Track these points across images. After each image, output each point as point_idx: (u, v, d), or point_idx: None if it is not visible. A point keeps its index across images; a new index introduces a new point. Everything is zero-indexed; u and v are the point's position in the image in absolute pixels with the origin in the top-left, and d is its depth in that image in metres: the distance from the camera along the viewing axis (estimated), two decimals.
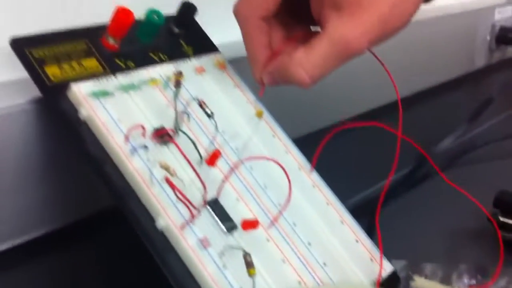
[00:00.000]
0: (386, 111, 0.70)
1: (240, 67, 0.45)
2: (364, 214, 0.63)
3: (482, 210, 0.63)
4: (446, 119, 0.83)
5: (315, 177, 0.42)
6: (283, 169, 0.37)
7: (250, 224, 0.34)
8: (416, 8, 0.40)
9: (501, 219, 0.62)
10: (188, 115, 0.39)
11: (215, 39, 0.47)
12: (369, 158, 0.69)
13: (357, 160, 0.69)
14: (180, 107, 0.38)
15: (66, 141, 0.37)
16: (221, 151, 0.38)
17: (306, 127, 0.59)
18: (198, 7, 0.44)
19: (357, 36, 0.38)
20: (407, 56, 0.74)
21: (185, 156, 0.35)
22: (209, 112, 0.39)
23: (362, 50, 0.39)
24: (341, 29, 0.38)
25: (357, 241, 0.41)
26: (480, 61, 0.89)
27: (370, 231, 0.57)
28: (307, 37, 0.41)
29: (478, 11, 0.86)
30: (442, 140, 0.77)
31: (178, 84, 0.38)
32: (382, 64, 0.44)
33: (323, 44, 0.39)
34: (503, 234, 0.62)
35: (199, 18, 0.46)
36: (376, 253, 0.41)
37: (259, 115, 0.41)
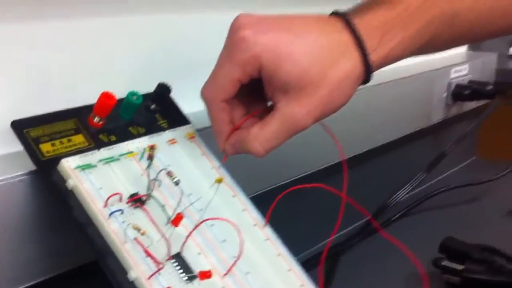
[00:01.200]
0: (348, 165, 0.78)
1: (208, 136, 0.53)
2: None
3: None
4: (405, 170, 0.91)
5: (268, 231, 0.50)
6: (235, 227, 0.45)
7: (205, 275, 0.41)
8: (353, 91, 0.48)
9: (446, 264, 0.69)
10: (160, 182, 0.46)
11: (189, 108, 0.55)
12: (328, 211, 0.77)
13: (316, 213, 0.76)
14: (153, 176, 0.46)
15: (57, 206, 0.45)
16: (186, 212, 0.46)
17: (266, 183, 0.66)
18: (175, 82, 0.53)
19: (303, 116, 0.46)
20: (370, 114, 0.83)
21: (152, 219, 0.42)
22: (176, 180, 0.47)
23: (307, 127, 0.47)
24: (289, 110, 0.46)
25: (302, 286, 0.48)
26: (438, 116, 0.97)
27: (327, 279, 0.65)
28: (264, 112, 0.49)
29: (436, 71, 0.95)
30: (399, 190, 0.85)
31: (150, 157, 0.47)
32: (329, 132, 0.52)
33: (275, 122, 0.47)
34: (448, 277, 0.69)
35: (176, 90, 0.53)
36: None
37: (219, 181, 0.49)
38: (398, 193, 0.84)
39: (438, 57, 1.01)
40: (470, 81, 1.02)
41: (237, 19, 0.46)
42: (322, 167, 0.74)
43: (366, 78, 0.48)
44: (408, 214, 0.89)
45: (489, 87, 0.99)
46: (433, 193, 0.91)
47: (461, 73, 1.00)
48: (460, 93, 0.98)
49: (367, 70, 0.47)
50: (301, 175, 0.73)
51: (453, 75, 0.98)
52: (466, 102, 1.01)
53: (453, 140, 0.93)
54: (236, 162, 0.51)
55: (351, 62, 0.46)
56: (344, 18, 0.47)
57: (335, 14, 0.48)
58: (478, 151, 1.22)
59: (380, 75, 0.78)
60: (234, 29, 0.46)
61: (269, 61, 0.45)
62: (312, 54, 0.45)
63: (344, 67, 0.46)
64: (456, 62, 1.00)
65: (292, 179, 0.71)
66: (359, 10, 0.48)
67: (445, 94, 0.97)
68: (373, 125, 0.84)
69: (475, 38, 0.55)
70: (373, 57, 0.47)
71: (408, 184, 0.86)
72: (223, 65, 0.47)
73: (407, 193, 0.87)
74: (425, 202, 0.91)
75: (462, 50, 1.10)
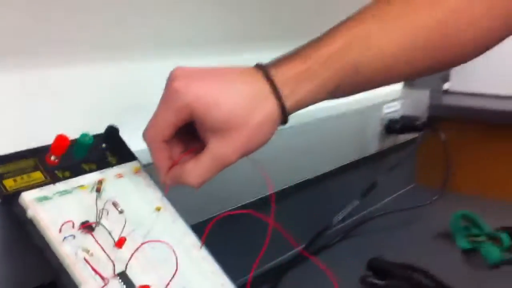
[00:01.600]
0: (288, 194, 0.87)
1: (153, 170, 0.61)
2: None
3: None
4: (343, 198, 0.99)
5: (204, 252, 0.58)
6: (171, 248, 0.53)
7: None
8: (272, 131, 0.57)
9: (371, 280, 0.78)
10: (107, 211, 0.54)
11: (138, 145, 0.62)
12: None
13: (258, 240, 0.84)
14: (101, 206, 0.54)
15: (19, 232, 0.52)
16: (130, 236, 0.54)
17: (206, 213, 0.73)
18: (127, 123, 0.61)
19: (229, 153, 0.55)
20: (310, 146, 0.92)
21: (99, 243, 0.50)
22: (120, 209, 0.55)
23: (233, 162, 0.55)
24: (217, 148, 0.55)
25: None
26: (373, 148, 1.07)
27: None
28: (199, 149, 0.57)
29: (370, 107, 1.05)
30: (335, 215, 0.94)
31: (98, 190, 0.54)
32: (258, 167, 0.60)
33: (205, 159, 0.55)
34: None
35: (129, 130, 0.61)
36: None
37: (158, 209, 0.57)
38: (333, 219, 0.93)
39: (373, 94, 1.11)
40: (402, 116, 1.12)
41: (173, 71, 0.55)
42: (262, 196, 0.82)
43: (283, 120, 0.57)
44: (346, 237, 0.98)
45: (418, 122, 1.10)
46: (370, 218, 1.00)
47: (393, 109, 1.10)
48: (392, 127, 1.08)
49: (284, 114, 0.56)
50: (245, 203, 0.81)
51: (386, 111, 1.08)
52: (398, 135, 1.11)
53: (384, 170, 1.02)
54: (178, 193, 0.59)
55: (269, 108, 0.55)
56: (263, 70, 0.56)
57: (256, 66, 0.57)
58: (417, 178, 1.33)
59: (320, 112, 0.88)
60: (170, 80, 0.54)
61: (198, 108, 0.53)
62: (235, 101, 0.54)
63: (263, 112, 0.55)
64: (389, 99, 1.10)
65: (236, 206, 0.79)
66: (276, 63, 0.57)
67: (379, 128, 1.07)
68: (313, 156, 0.93)
69: (383, 84, 0.63)
70: (288, 103, 0.56)
71: (342, 211, 0.94)
72: (161, 112, 0.55)
73: (343, 219, 0.95)
74: (362, 226, 1.00)
75: (397, 87, 1.20)
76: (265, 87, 0.55)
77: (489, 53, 0.64)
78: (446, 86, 1.41)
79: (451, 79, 1.41)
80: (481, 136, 1.27)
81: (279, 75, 0.55)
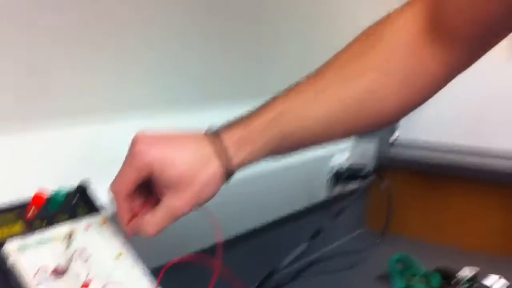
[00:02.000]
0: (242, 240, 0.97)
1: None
2: None
3: None
4: (293, 243, 1.10)
5: None
6: None
7: None
8: (218, 186, 0.67)
9: None
10: (76, 258, 0.64)
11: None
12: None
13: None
14: (71, 253, 0.64)
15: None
16: (95, 279, 0.64)
17: (165, 258, 0.82)
18: (99, 177, 0.71)
19: (180, 206, 0.65)
20: (263, 195, 1.02)
21: (69, 285, 0.60)
22: (87, 256, 0.65)
23: (186, 213, 0.66)
24: (170, 201, 0.65)
25: None
26: (321, 196, 1.18)
27: None
28: (156, 202, 0.67)
29: (319, 157, 1.16)
30: (284, 259, 1.04)
31: (69, 239, 0.64)
32: (211, 215, 0.71)
33: (161, 211, 0.65)
34: None
35: (100, 183, 0.71)
36: None
37: (118, 256, 0.67)
38: (281, 263, 1.03)
39: None
40: (350, 165, 1.24)
41: (135, 136, 0.65)
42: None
43: (228, 177, 0.68)
44: (293, 280, 1.08)
45: (364, 171, 1.22)
46: (316, 261, 1.11)
47: (342, 159, 1.22)
48: (340, 175, 1.20)
49: (227, 172, 0.67)
50: (202, 248, 0.90)
51: (334, 161, 1.20)
52: (346, 183, 1.22)
53: (331, 217, 1.13)
54: (140, 241, 0.69)
55: (214, 168, 0.66)
56: (211, 136, 0.67)
57: (206, 131, 0.68)
58: (366, 223, 1.44)
59: (270, 163, 0.98)
60: (133, 144, 0.65)
61: (156, 168, 0.64)
62: (188, 161, 0.65)
63: (209, 171, 0.66)
64: (338, 149, 1.22)
65: (194, 251, 0.88)
66: (224, 129, 0.68)
67: (327, 177, 1.18)
68: (262, 205, 1.03)
69: (314, 146, 0.74)
70: (233, 162, 0.67)
71: (291, 255, 1.05)
72: (124, 169, 0.66)
73: (291, 262, 1.06)
74: (308, 269, 1.11)
75: None
76: (211, 151, 0.66)
77: (437, 102, 0.74)
78: (395, 134, 1.53)
79: (400, 128, 1.53)
80: (423, 185, 1.39)
81: (225, 139, 0.67)
